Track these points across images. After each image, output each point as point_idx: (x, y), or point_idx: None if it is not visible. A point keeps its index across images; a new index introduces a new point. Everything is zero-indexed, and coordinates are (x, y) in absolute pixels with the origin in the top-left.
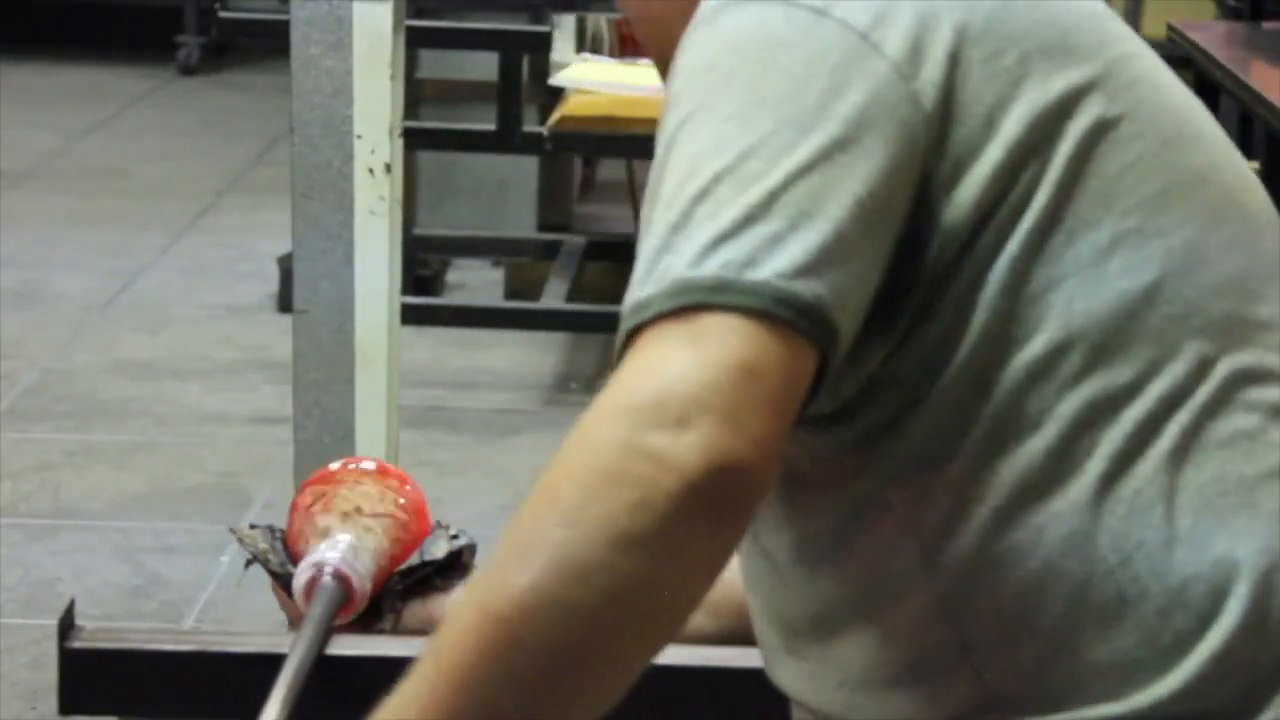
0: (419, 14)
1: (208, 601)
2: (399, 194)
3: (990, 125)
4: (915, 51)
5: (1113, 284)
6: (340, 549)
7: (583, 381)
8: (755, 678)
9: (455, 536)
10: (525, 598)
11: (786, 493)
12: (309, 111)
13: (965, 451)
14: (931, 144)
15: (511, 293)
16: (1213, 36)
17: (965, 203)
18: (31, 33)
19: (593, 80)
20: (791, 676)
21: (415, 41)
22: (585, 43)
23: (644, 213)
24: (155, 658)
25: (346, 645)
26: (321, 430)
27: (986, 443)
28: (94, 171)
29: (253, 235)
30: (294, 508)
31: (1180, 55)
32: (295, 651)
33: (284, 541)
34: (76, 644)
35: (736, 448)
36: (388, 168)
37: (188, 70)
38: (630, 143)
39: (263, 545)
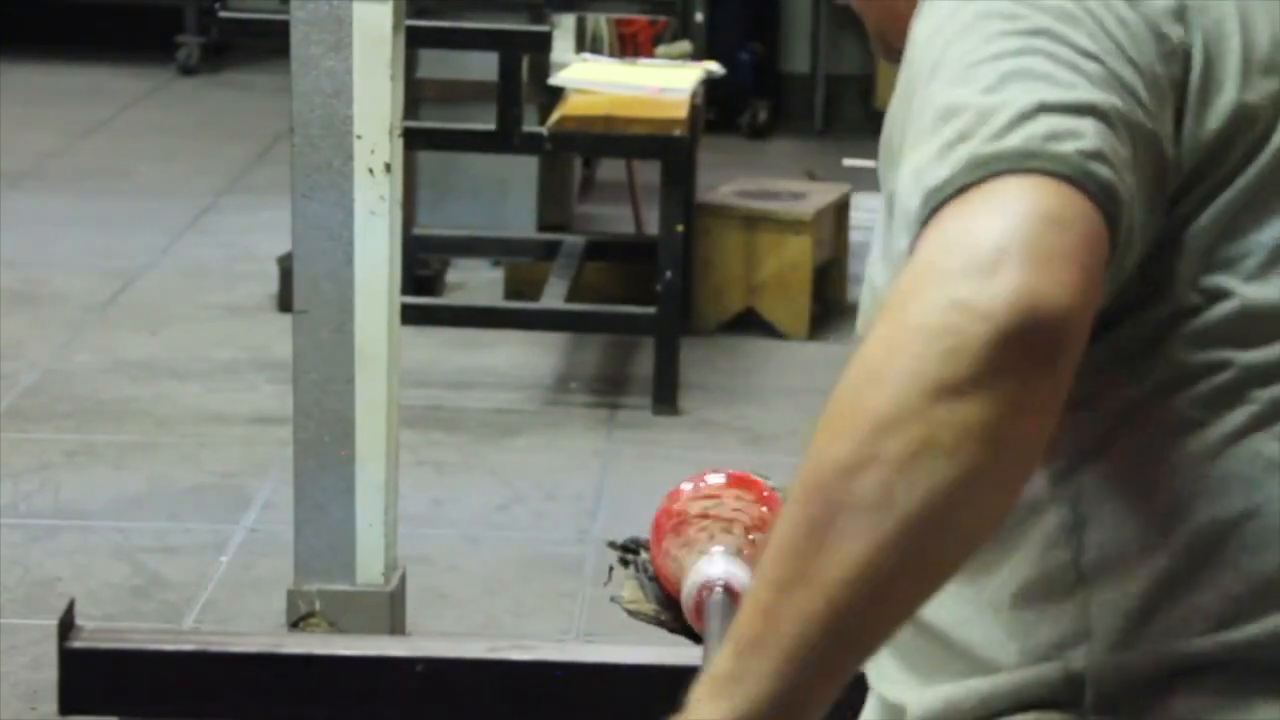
0: (419, 14)
1: (208, 601)
2: (399, 194)
3: (1242, 70)
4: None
5: None
6: (718, 561)
7: (583, 381)
8: None
9: None
10: (844, 460)
11: None
12: (309, 111)
13: (1127, 386)
14: (1182, 77)
15: (511, 293)
16: None
17: (1205, 136)
18: (31, 33)
19: (593, 80)
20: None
21: (415, 41)
22: (585, 43)
23: (902, 120)
24: (155, 658)
25: None
26: (321, 430)
27: (1146, 383)
28: (94, 171)
29: (253, 235)
30: (656, 539)
31: None
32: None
33: (655, 578)
34: (76, 644)
35: (1046, 290)
36: (388, 168)
37: (188, 70)
38: (630, 143)
39: (650, 608)
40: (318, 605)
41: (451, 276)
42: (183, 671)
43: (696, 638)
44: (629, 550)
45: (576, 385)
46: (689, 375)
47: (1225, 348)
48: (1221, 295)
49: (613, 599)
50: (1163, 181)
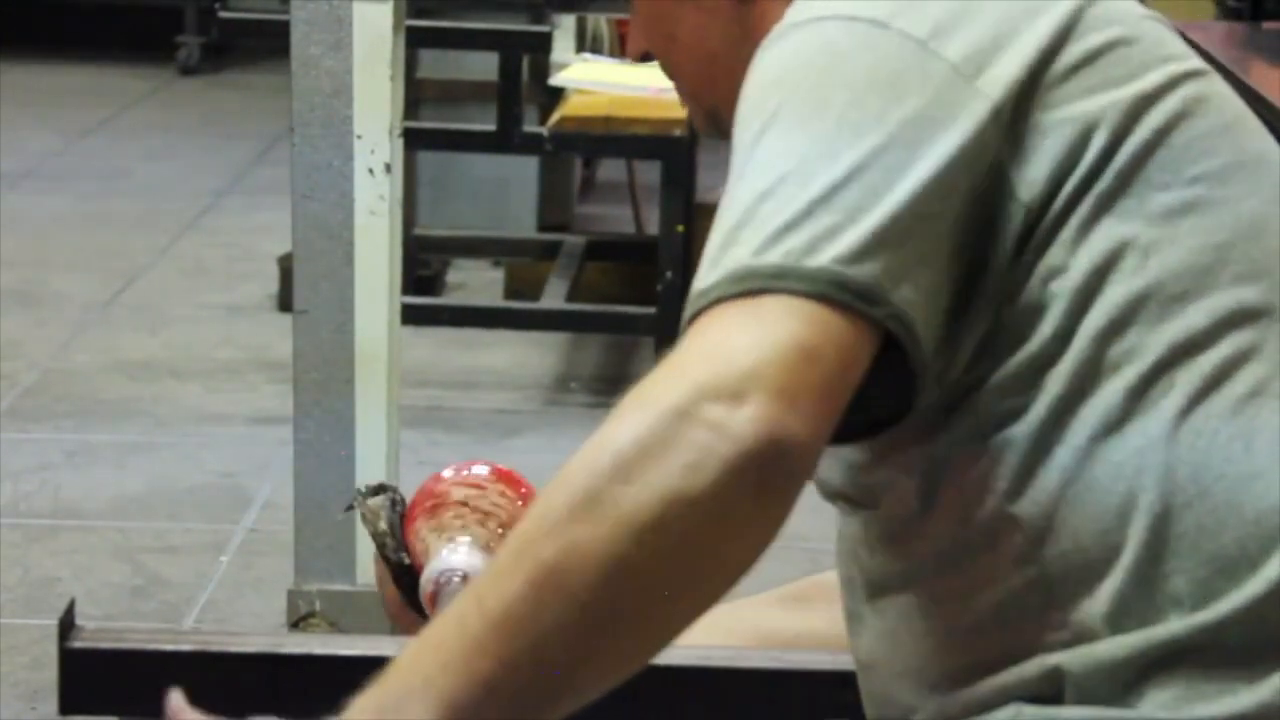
0: (419, 14)
1: (207, 601)
2: (399, 194)
3: (1072, 105)
4: (980, 52)
5: (1184, 242)
6: (463, 552)
7: (583, 381)
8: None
9: None
10: (580, 549)
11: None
12: (309, 111)
13: (1048, 398)
14: (1001, 132)
15: (511, 293)
16: (1213, 36)
17: (1038, 176)
18: (31, 33)
19: (593, 80)
20: (871, 638)
21: (415, 41)
22: (585, 43)
23: (716, 220)
24: (155, 658)
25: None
26: (321, 430)
27: (1068, 389)
28: (94, 171)
29: (253, 235)
30: (409, 516)
31: None
32: None
33: (402, 526)
34: (76, 644)
35: (790, 424)
36: (388, 168)
37: (188, 70)
38: (630, 143)
39: (383, 526)
40: (318, 605)
41: (451, 276)
42: (183, 671)
43: (420, 610)
44: (377, 492)
45: (576, 385)
46: None
47: (1136, 329)
48: (1116, 273)
49: (358, 494)
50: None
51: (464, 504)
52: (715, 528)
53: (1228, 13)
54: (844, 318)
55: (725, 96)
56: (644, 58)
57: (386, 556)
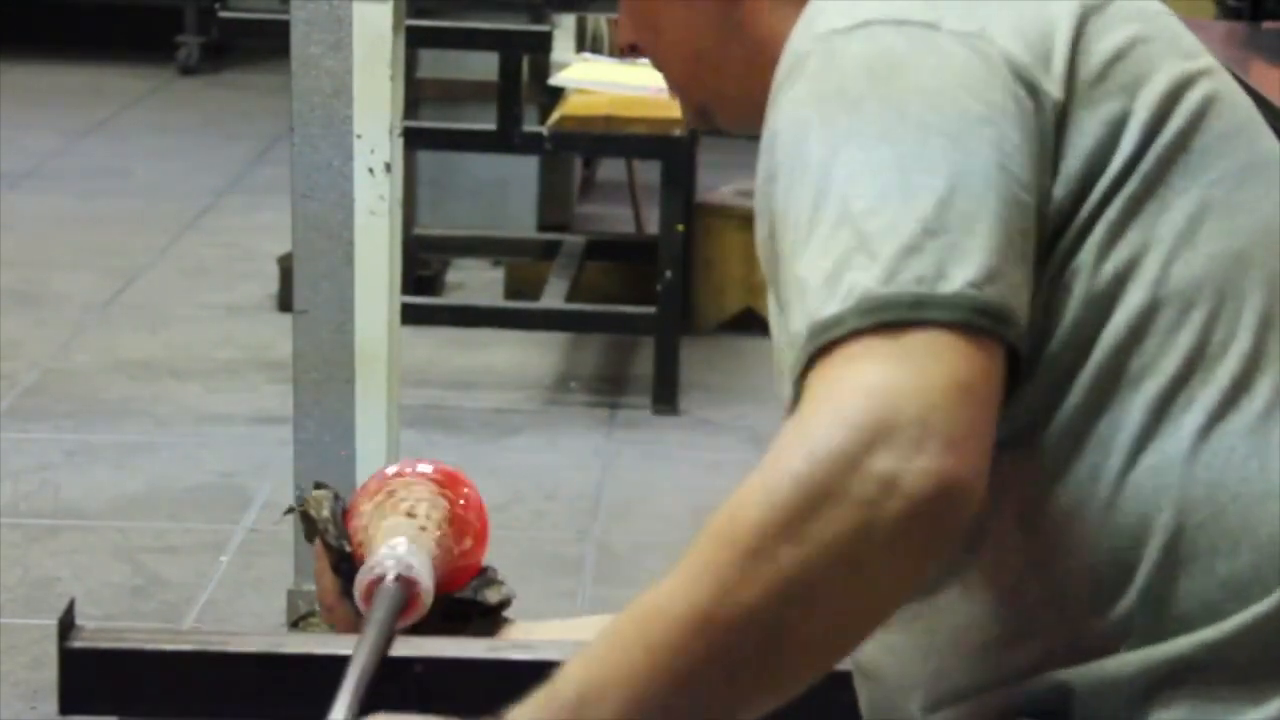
0: (419, 14)
1: (207, 601)
2: (399, 194)
3: (1108, 103)
4: (1030, 47)
5: (1203, 248)
6: (401, 552)
7: (582, 381)
8: None
9: (503, 584)
10: (753, 613)
11: None
12: (309, 111)
13: (1067, 410)
14: (1056, 125)
15: (511, 293)
16: (1213, 36)
17: (1072, 174)
18: (31, 33)
19: (593, 80)
20: (874, 648)
21: (415, 41)
22: (585, 43)
23: (785, 235)
24: (155, 658)
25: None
26: (321, 430)
27: (1088, 402)
28: (94, 171)
29: (253, 235)
30: (351, 511)
31: None
32: (359, 654)
33: (345, 519)
34: (76, 644)
35: (961, 473)
36: (388, 168)
37: (188, 70)
38: (630, 142)
39: (325, 514)
40: (317, 605)
41: (451, 276)
42: (183, 671)
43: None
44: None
45: (576, 385)
46: (689, 375)
47: (1154, 338)
48: (1135, 280)
49: (300, 489)
50: (1038, 233)
51: (404, 499)
52: (880, 584)
53: (1228, 13)
54: (986, 343)
55: (716, 92)
56: (631, 50)
57: (328, 543)
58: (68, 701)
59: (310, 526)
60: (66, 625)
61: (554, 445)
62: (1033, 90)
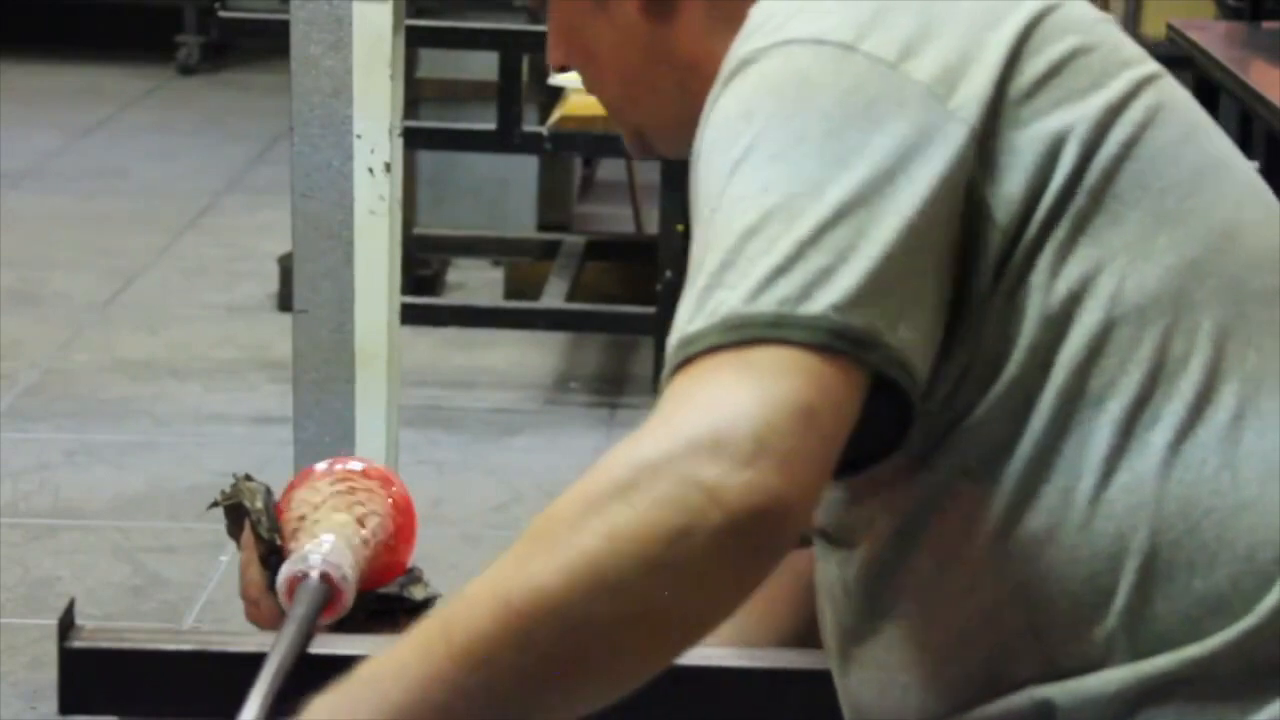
0: (419, 14)
1: (207, 601)
2: (399, 194)
3: (1042, 121)
4: (950, 70)
5: (1159, 260)
6: (325, 549)
7: (582, 381)
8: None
9: (428, 585)
10: (551, 600)
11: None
12: (309, 111)
13: (1032, 434)
14: (976, 153)
15: (511, 293)
16: (1213, 36)
17: (1013, 195)
18: (31, 33)
19: None
20: (855, 681)
21: (415, 41)
22: None
23: (692, 255)
24: (155, 658)
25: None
26: (321, 430)
27: (1052, 425)
28: (94, 171)
29: (253, 235)
30: (279, 507)
31: (1180, 55)
32: (277, 651)
33: (278, 513)
34: (76, 644)
35: (787, 493)
36: (388, 167)
37: (188, 70)
38: None
39: (259, 505)
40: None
41: (451, 276)
42: (183, 671)
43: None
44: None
45: (576, 385)
46: None
47: (1113, 356)
48: (1091, 297)
49: (234, 476)
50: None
51: (334, 495)
52: (693, 594)
53: (1228, 13)
54: (841, 366)
55: (649, 115)
56: (562, 69)
57: (259, 534)
58: (67, 701)
59: (238, 518)
60: (66, 625)
61: (554, 445)
62: (944, 116)
